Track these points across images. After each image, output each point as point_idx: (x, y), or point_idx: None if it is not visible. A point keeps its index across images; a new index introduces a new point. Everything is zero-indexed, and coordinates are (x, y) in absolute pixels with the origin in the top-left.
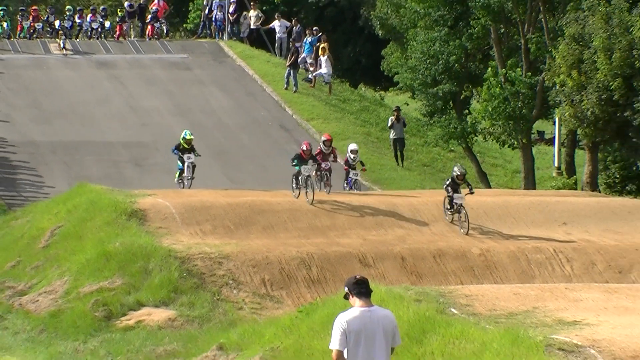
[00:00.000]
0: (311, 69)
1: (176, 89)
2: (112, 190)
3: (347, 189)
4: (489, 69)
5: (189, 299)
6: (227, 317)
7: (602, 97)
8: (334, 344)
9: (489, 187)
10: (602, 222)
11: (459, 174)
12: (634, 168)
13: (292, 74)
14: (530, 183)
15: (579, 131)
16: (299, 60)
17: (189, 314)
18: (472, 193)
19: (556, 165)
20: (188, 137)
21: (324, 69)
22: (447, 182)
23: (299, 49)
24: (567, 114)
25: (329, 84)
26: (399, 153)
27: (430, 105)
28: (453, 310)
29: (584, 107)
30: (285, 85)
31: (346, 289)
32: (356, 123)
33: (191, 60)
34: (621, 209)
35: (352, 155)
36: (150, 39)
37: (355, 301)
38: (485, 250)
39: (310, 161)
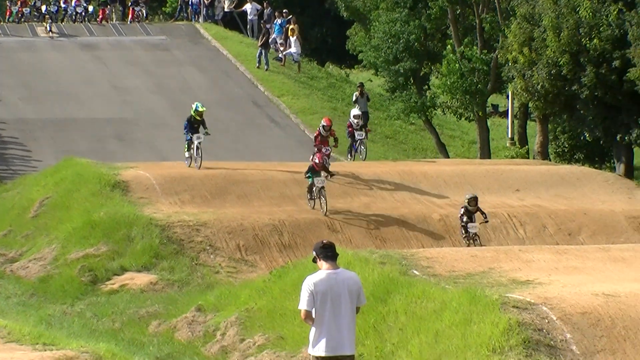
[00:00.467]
0: (281, 48)
1: (156, 68)
2: (97, 164)
3: (353, 155)
4: (447, 47)
5: (169, 264)
6: (204, 280)
7: (552, 72)
8: (302, 305)
9: (448, 157)
10: (553, 188)
11: (470, 197)
12: (582, 138)
13: (263, 54)
14: (486, 153)
15: (530, 104)
16: (269, 40)
17: (169, 277)
18: (486, 222)
19: (509, 136)
20: (200, 109)
21: (293, 48)
22: (461, 212)
23: (270, 30)
24: (519, 88)
25: (298, 63)
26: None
27: (393, 81)
28: (415, 271)
29: (534, 81)
30: (257, 64)
31: (314, 253)
32: (323, 99)
33: (169, 41)
34: (570, 176)
35: (355, 120)
36: (131, 22)
37: (323, 264)
38: (445, 216)
39: (323, 173)
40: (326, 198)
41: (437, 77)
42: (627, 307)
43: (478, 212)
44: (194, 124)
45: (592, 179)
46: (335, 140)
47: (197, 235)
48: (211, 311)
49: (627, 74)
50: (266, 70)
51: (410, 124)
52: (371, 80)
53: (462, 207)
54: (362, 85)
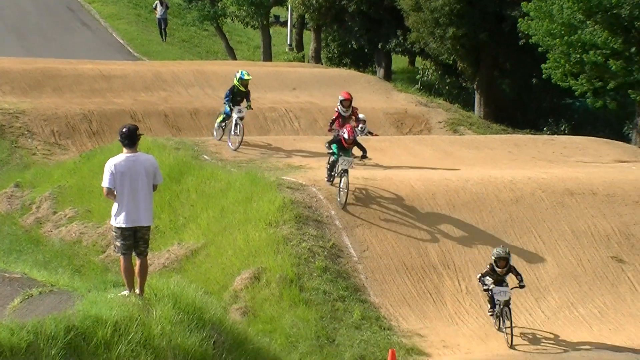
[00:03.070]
0: None
1: None
2: None
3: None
4: None
5: None
6: (22, 160)
7: None
8: (104, 183)
9: (235, 59)
10: (324, 87)
11: (499, 255)
12: (349, 46)
13: None
14: (268, 56)
15: (306, 15)
16: None
17: None
18: (522, 287)
19: (288, 42)
20: (246, 77)
21: None
22: (484, 271)
23: None
24: (297, 1)
25: None
26: (162, 31)
27: None
28: (205, 156)
29: None
30: None
31: (119, 138)
32: (129, 5)
33: None
34: (338, 78)
35: (360, 126)
36: None
37: (124, 149)
38: None
39: (352, 155)
40: (348, 187)
41: None
42: (381, 189)
43: (509, 275)
44: (237, 96)
45: (357, 81)
46: (357, 120)
47: (16, 122)
48: (28, 187)
49: None
50: None
51: (204, 30)
52: None
53: (487, 267)
54: None
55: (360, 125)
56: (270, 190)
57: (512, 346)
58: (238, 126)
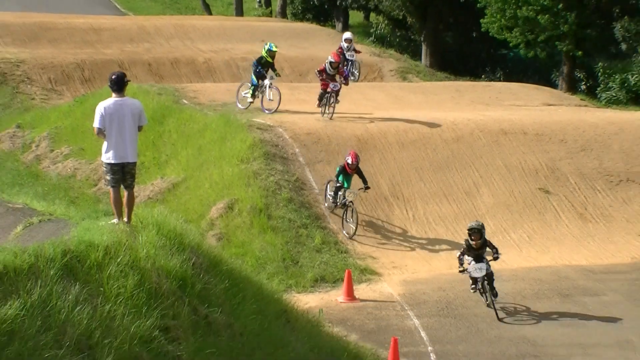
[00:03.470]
0: None
1: None
2: None
3: (348, 77)
4: None
5: None
6: (23, 104)
7: None
8: (95, 123)
9: (211, 14)
10: (289, 39)
11: (472, 226)
12: (311, 2)
13: None
14: (240, 12)
15: None
16: None
17: None
18: (496, 258)
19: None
20: (274, 48)
21: None
22: (462, 249)
23: None
24: None
25: None
26: None
27: None
28: (184, 101)
29: None
30: None
31: (109, 84)
32: None
33: None
34: (302, 31)
35: (345, 44)
36: None
37: (113, 94)
38: (208, 59)
39: (354, 190)
40: (356, 217)
41: None
42: (340, 129)
43: (485, 249)
44: (264, 66)
45: (318, 34)
46: (345, 78)
47: (17, 70)
48: (28, 128)
49: None
50: None
51: None
52: None
53: (463, 244)
54: None
55: (346, 45)
56: (242, 131)
57: (500, 319)
58: (272, 90)
